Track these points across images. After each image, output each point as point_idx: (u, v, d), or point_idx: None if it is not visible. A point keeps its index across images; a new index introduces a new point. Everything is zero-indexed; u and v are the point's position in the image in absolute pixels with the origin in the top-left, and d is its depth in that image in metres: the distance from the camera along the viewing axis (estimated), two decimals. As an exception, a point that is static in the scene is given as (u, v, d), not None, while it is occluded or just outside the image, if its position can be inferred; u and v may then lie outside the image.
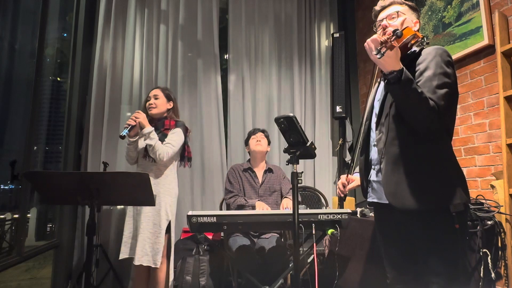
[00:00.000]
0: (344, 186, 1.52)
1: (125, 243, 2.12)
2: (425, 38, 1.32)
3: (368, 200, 1.47)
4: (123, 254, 2.11)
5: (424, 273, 1.26)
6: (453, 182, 1.24)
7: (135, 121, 2.07)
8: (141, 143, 2.18)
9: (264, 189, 2.55)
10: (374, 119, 1.42)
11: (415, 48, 1.36)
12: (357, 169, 1.57)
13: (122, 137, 2.00)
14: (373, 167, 1.41)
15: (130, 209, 2.17)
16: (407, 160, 1.27)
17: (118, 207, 2.84)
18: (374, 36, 1.19)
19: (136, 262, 2.03)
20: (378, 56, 1.13)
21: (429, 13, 2.68)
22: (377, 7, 1.48)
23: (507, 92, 1.90)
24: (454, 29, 2.45)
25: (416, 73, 1.28)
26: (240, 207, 2.40)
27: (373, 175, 1.41)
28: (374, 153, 1.40)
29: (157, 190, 2.13)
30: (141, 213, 2.10)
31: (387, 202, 1.31)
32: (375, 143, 1.39)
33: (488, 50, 2.20)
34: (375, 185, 1.40)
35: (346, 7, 3.85)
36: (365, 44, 1.20)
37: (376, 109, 1.42)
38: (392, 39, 1.14)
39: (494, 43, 2.11)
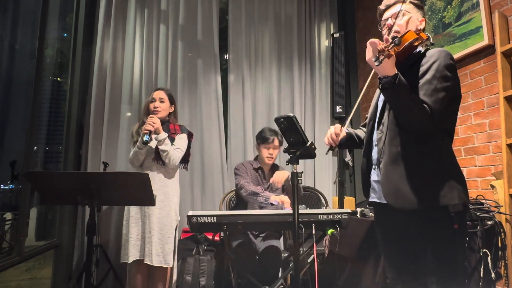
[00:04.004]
0: (337, 136, 1.48)
1: (134, 245, 2.12)
2: (430, 38, 1.31)
3: (369, 200, 1.47)
4: (133, 256, 2.11)
5: (424, 273, 1.26)
6: (452, 183, 1.24)
7: (153, 126, 2.10)
8: (153, 145, 2.20)
9: (269, 189, 2.56)
10: (376, 119, 1.42)
11: (420, 48, 1.36)
12: (349, 128, 1.59)
13: (146, 143, 2.07)
14: (373, 167, 1.42)
15: (136, 211, 2.17)
16: (406, 160, 1.28)
17: (118, 207, 2.84)
18: (374, 40, 1.18)
19: (149, 262, 2.06)
20: (376, 63, 1.14)
21: (429, 13, 2.68)
22: (382, 6, 1.47)
23: (507, 92, 1.90)
24: (454, 29, 2.45)
25: (419, 75, 1.28)
26: (254, 193, 2.34)
27: (373, 175, 1.42)
28: (374, 153, 1.41)
29: (166, 191, 2.20)
30: (151, 215, 2.12)
31: (384, 202, 1.31)
32: (376, 142, 1.39)
33: (488, 50, 2.20)
34: (375, 185, 1.40)
35: (346, 7, 3.85)
36: (367, 43, 1.20)
37: (379, 109, 1.42)
38: (390, 47, 1.14)
39: (494, 43, 2.11)
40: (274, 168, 2.63)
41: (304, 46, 3.65)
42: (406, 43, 1.22)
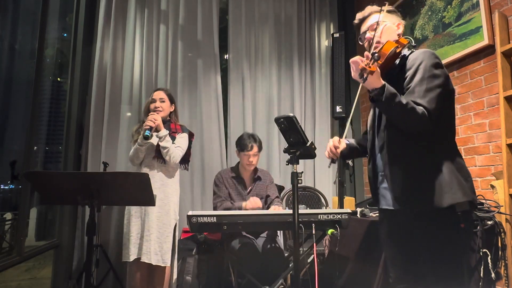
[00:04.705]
0: (336, 148, 1.50)
1: (134, 244, 2.13)
2: (411, 41, 1.33)
3: (379, 207, 1.46)
4: (134, 255, 2.11)
5: (426, 272, 1.27)
6: (457, 182, 1.24)
7: (154, 122, 2.11)
8: (154, 143, 2.22)
9: (250, 196, 2.53)
10: (375, 126, 1.43)
11: (404, 52, 1.37)
12: (349, 139, 1.62)
13: (147, 138, 2.07)
14: (379, 173, 1.42)
15: (136, 210, 2.18)
16: (409, 163, 1.28)
17: (118, 207, 2.84)
18: (356, 59, 1.20)
19: (147, 260, 2.07)
20: (362, 81, 1.16)
21: (429, 13, 2.68)
22: (356, 20, 1.50)
23: (507, 92, 1.90)
24: (454, 29, 2.45)
25: (406, 80, 1.29)
26: (227, 209, 2.35)
27: (380, 182, 1.42)
28: (379, 160, 1.41)
29: (166, 191, 2.21)
30: (150, 213, 2.13)
31: (393, 208, 1.32)
32: (378, 149, 1.39)
33: (488, 50, 2.20)
34: (382, 191, 1.41)
35: (346, 7, 3.85)
36: (350, 62, 1.23)
37: (377, 116, 1.43)
38: (371, 64, 1.16)
39: (494, 43, 2.11)
40: (257, 179, 2.57)
41: (304, 46, 3.65)
42: (387, 54, 1.23)
